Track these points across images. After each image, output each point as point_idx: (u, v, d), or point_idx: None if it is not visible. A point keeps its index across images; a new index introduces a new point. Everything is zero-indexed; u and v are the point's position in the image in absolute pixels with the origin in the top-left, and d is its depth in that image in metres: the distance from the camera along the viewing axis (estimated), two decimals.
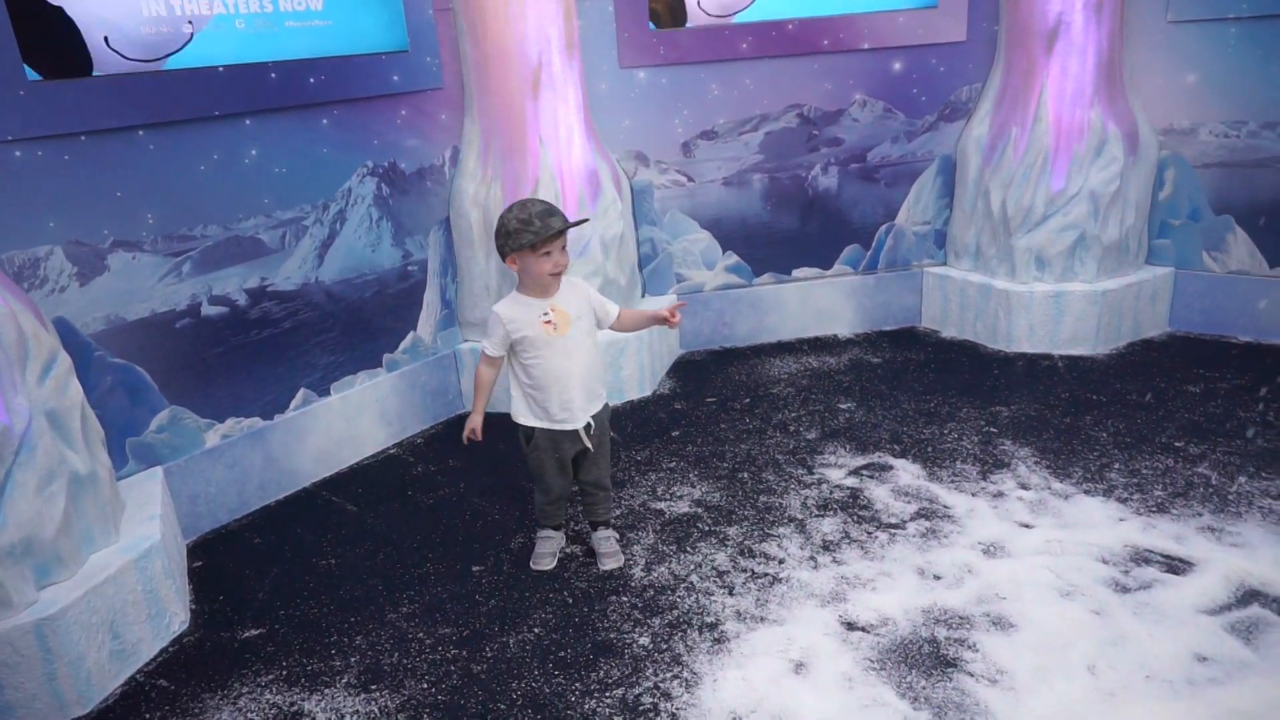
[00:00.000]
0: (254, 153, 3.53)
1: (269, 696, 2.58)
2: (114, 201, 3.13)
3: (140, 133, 3.16)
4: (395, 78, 3.99)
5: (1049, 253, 4.71)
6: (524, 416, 2.92)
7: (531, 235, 2.63)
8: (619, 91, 4.70)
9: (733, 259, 5.12)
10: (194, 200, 3.37)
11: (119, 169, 3.13)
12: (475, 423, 2.91)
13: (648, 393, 4.55)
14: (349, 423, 4.00)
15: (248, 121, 3.49)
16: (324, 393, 3.91)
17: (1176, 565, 2.85)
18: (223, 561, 3.31)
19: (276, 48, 3.60)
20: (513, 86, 4.15)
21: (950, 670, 2.48)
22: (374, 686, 2.59)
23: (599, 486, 3.05)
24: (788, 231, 5.15)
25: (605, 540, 3.13)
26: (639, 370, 4.52)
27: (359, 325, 4.04)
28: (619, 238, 4.52)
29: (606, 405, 3.00)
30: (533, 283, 2.77)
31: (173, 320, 3.37)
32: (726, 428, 4.10)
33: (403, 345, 4.27)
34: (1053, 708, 2.31)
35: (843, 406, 4.25)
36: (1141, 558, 2.90)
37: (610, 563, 3.08)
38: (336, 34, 3.82)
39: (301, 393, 3.81)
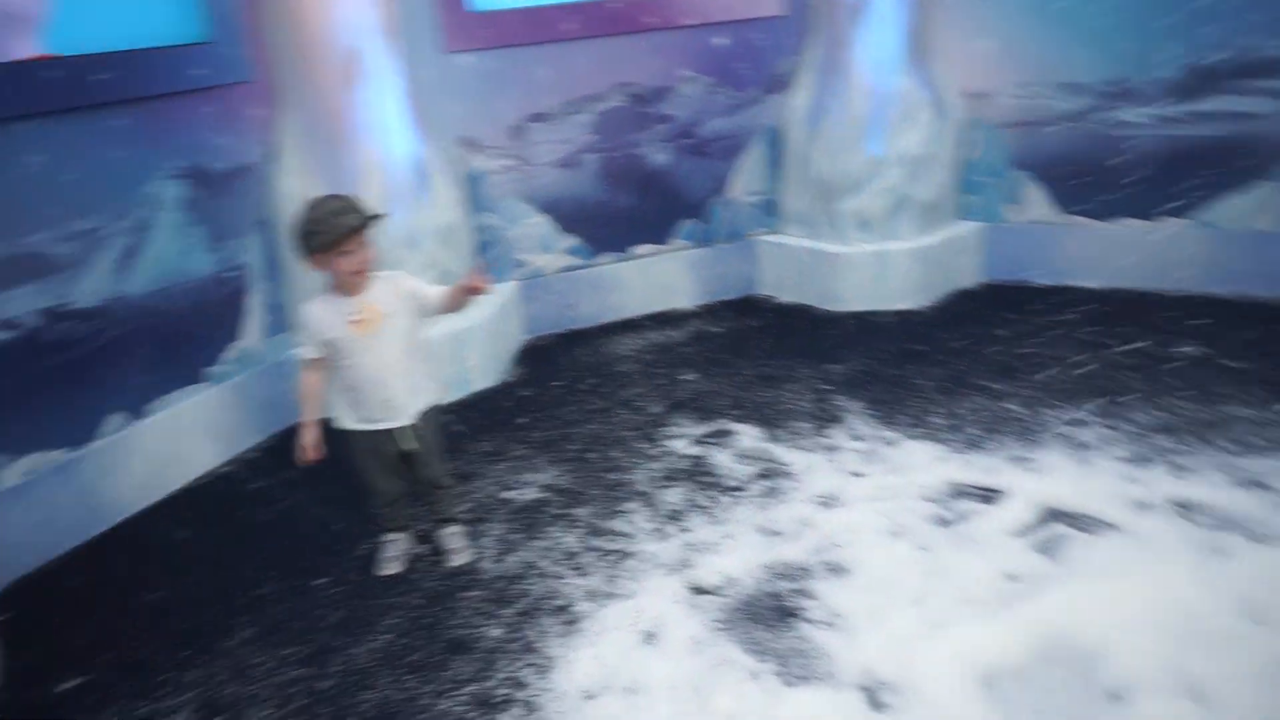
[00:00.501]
0: (36, 159, 3.24)
1: None
2: None
3: None
4: (196, 72, 3.74)
5: (870, 215, 4.95)
6: (344, 419, 2.83)
7: (326, 235, 2.54)
8: (444, 77, 4.58)
9: (572, 240, 5.12)
10: None
11: None
12: (308, 438, 2.74)
13: (494, 382, 4.50)
14: (173, 444, 3.76)
15: (25, 125, 3.19)
16: (141, 415, 3.66)
17: (989, 495, 3.07)
18: (33, 611, 3.04)
19: (57, 42, 3.31)
20: (329, 77, 3.98)
21: (792, 620, 2.59)
22: None
23: (436, 485, 3.00)
24: (624, 209, 5.19)
25: (451, 536, 3.09)
26: (484, 360, 4.46)
27: (177, 339, 3.80)
28: (453, 226, 4.43)
29: (434, 407, 2.93)
30: (339, 282, 2.68)
31: None
32: (573, 410, 4.11)
33: (229, 356, 4.05)
34: (885, 642, 2.45)
35: (686, 378, 4.34)
36: (960, 492, 3.11)
37: (458, 558, 3.05)
38: (128, 25, 3.54)
39: (114, 417, 3.55)
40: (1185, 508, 2.87)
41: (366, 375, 2.72)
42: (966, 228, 5.14)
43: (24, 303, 3.25)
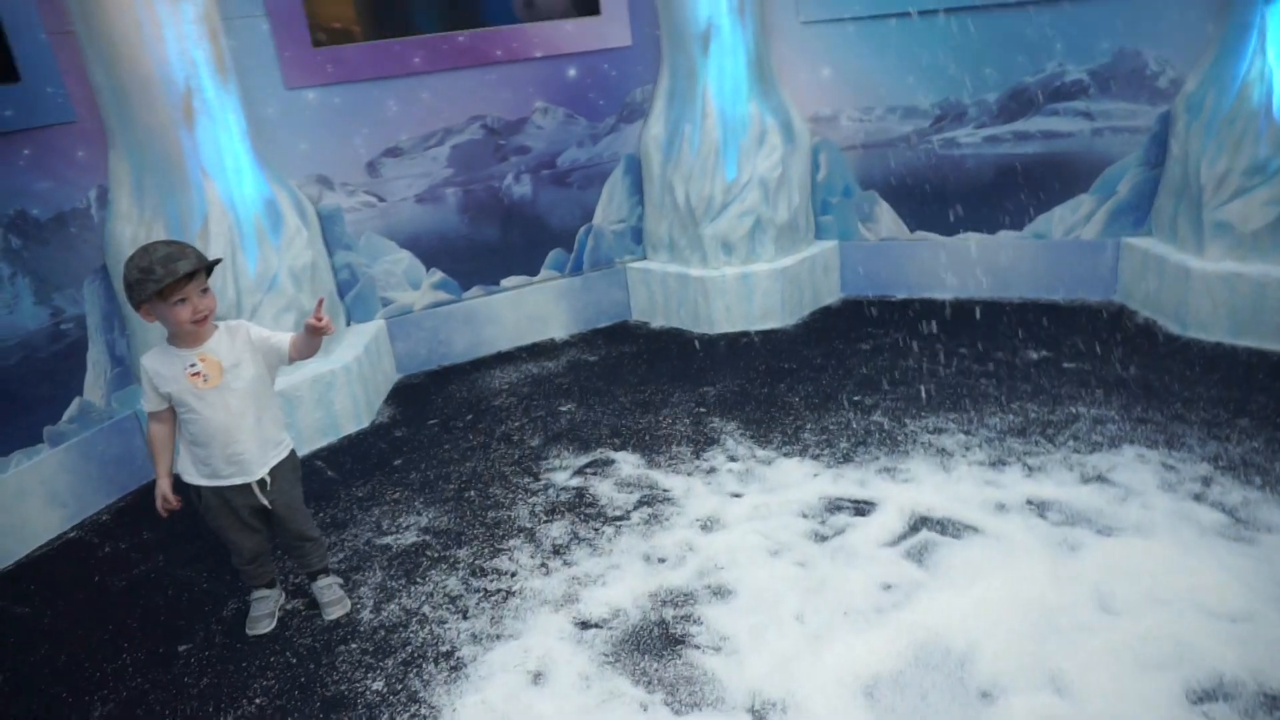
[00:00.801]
0: None
1: None
2: None
3: None
4: (7, 113, 3.47)
5: (732, 238, 5.08)
6: (190, 474, 2.69)
7: (154, 284, 2.38)
8: (289, 114, 4.43)
9: (438, 275, 5.03)
10: None
11: None
12: (163, 487, 2.65)
13: (365, 424, 4.35)
14: (8, 512, 3.44)
15: None
16: None
17: (862, 507, 3.19)
18: None
19: None
20: (162, 117, 3.77)
21: (679, 647, 2.60)
22: None
23: (302, 538, 2.86)
24: (490, 242, 5.14)
25: (326, 589, 2.95)
26: (352, 401, 4.30)
27: (5, 398, 3.49)
28: (310, 266, 4.26)
29: (292, 452, 2.81)
30: (176, 332, 2.54)
31: None
32: (450, 448, 4.02)
33: (68, 414, 3.75)
34: (769, 661, 2.49)
35: (564, 409, 4.32)
36: (834, 506, 3.22)
37: (335, 611, 2.92)
38: None
39: None
40: (1039, 506, 3.06)
41: (211, 429, 2.58)
42: (823, 246, 5.36)
43: None
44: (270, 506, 2.73)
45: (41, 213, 3.65)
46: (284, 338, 2.70)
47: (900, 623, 2.57)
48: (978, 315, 4.89)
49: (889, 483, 3.33)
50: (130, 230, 3.85)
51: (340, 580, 3.03)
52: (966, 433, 3.63)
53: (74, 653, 2.89)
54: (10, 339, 3.53)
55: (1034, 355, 4.29)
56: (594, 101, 5.15)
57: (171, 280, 2.38)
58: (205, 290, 2.50)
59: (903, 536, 3.00)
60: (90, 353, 3.86)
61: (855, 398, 4.07)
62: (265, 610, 2.91)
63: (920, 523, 3.06)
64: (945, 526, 3.01)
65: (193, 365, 2.54)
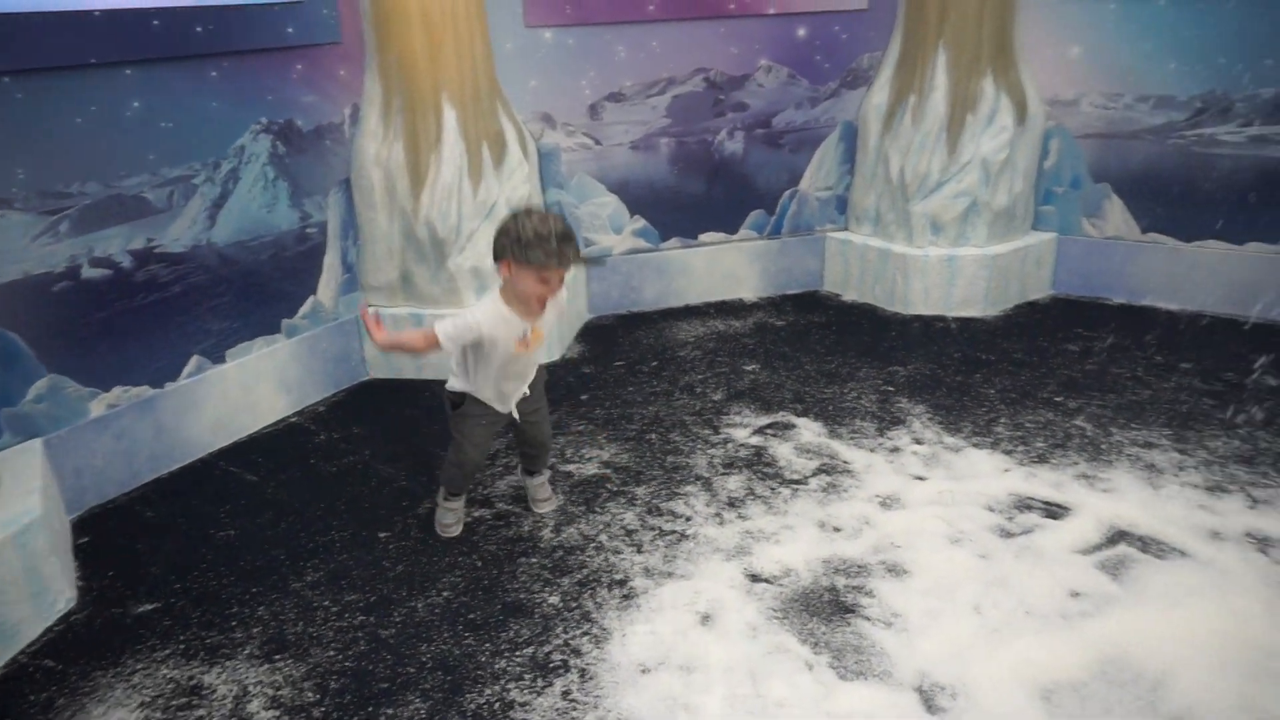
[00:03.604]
0: (136, 105, 3.34)
1: (165, 671, 2.51)
2: None
3: (5, 79, 2.95)
4: (289, 30, 3.82)
5: (943, 218, 4.89)
6: (458, 383, 2.82)
7: (542, 256, 2.43)
8: (525, 51, 4.62)
9: (640, 223, 5.14)
10: (70, 155, 3.17)
11: None
12: (379, 345, 2.67)
13: (556, 357, 4.54)
14: (246, 391, 3.86)
15: (128, 71, 3.29)
16: (219, 359, 3.76)
17: (1055, 510, 3.04)
18: (112, 536, 3.17)
19: None
20: (415, 43, 4.03)
21: (849, 616, 2.59)
22: (278, 656, 2.54)
23: (541, 445, 3.09)
24: (694, 196, 5.19)
25: (540, 486, 3.20)
26: (547, 335, 4.48)
27: (255, 289, 3.90)
28: (526, 200, 4.46)
29: (541, 368, 2.99)
30: (518, 298, 2.59)
31: (50, 283, 3.17)
32: (634, 390, 4.14)
33: (302, 310, 4.14)
34: (942, 645, 2.44)
35: (747, 368, 4.34)
36: (1024, 505, 3.08)
37: (546, 506, 3.18)
38: None
39: (194, 360, 3.66)
40: (1261, 541, 2.81)
41: (509, 376, 2.76)
42: (1040, 238, 5.06)
43: (117, 243, 3.36)
44: (520, 421, 2.93)
45: (305, 124, 4.01)
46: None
47: (1087, 633, 2.45)
48: (1208, 331, 4.48)
49: (1087, 490, 3.15)
50: (374, 148, 4.16)
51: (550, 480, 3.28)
52: (1181, 451, 3.37)
53: (291, 522, 3.23)
54: (266, 236, 3.92)
55: (1271, 381, 3.90)
56: (819, 64, 5.05)
57: (556, 264, 2.45)
58: (563, 279, 2.57)
59: (1098, 547, 2.84)
60: (327, 257, 4.23)
61: (1057, 399, 3.86)
62: (459, 516, 3.12)
63: (1119, 536, 2.88)
64: (1148, 544, 2.83)
65: (524, 334, 2.65)
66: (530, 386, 2.91)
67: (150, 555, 3.05)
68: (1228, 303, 4.67)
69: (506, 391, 2.83)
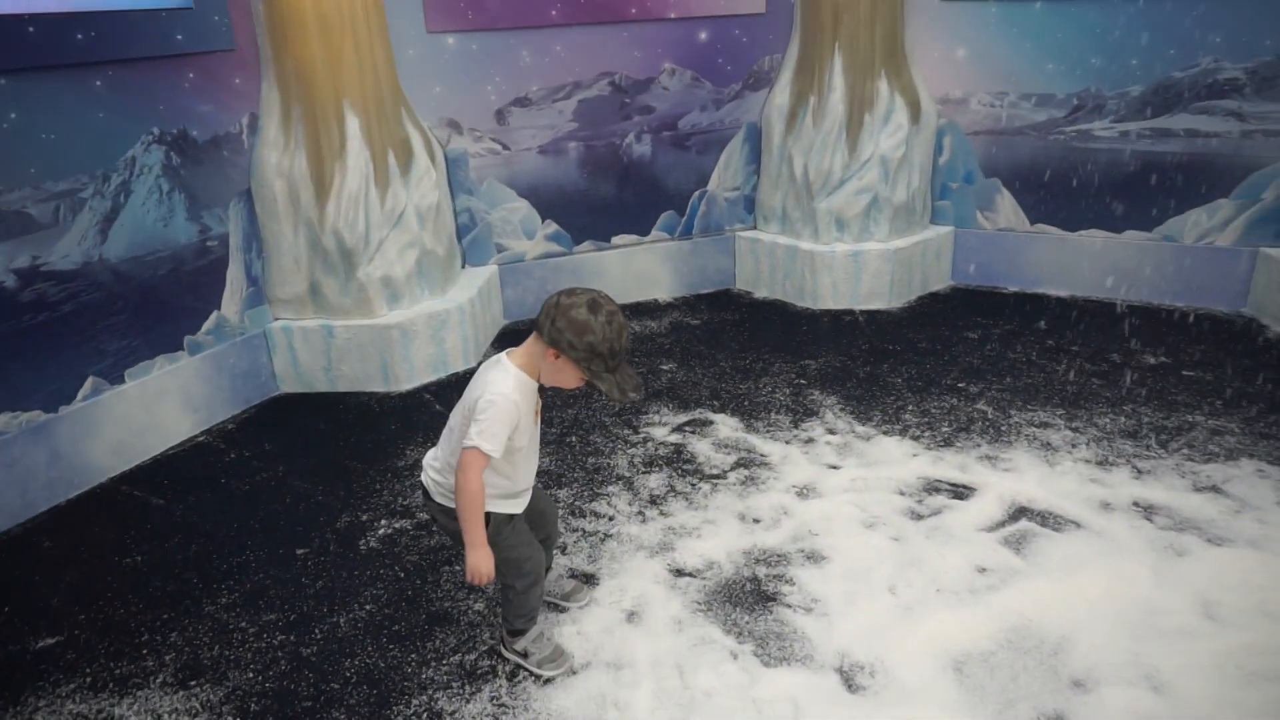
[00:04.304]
0: (13, 116, 3.18)
1: (71, 706, 2.40)
2: None
3: None
4: (178, 37, 3.70)
5: (847, 215, 5.05)
6: (497, 506, 2.33)
7: (604, 373, 2.16)
8: (427, 57, 4.58)
9: (552, 227, 5.14)
10: None
11: None
12: (488, 562, 2.24)
13: (472, 364, 4.51)
14: (148, 411, 3.72)
15: (2, 81, 3.13)
16: (117, 380, 3.61)
17: (961, 491, 3.18)
18: (7, 570, 3.01)
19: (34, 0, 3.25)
20: (313, 50, 3.95)
21: (770, 604, 2.66)
22: (193, 682, 2.46)
23: (554, 520, 2.67)
24: (605, 199, 5.22)
25: (560, 580, 2.77)
26: (463, 341, 4.46)
27: (154, 306, 3.75)
28: (435, 207, 4.43)
29: None
30: (546, 376, 2.25)
31: None
32: (553, 394, 4.14)
33: (206, 326, 4.00)
34: (860, 626, 2.53)
35: (665, 367, 4.39)
36: (932, 487, 3.22)
37: (582, 596, 2.73)
38: None
39: (90, 381, 3.50)
40: (1146, 509, 3.01)
41: (529, 462, 2.38)
42: (938, 231, 5.27)
43: (0, 261, 3.19)
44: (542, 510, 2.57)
45: (200, 134, 3.88)
46: None
47: (994, 605, 2.57)
48: (1094, 314, 4.75)
49: (990, 470, 3.30)
50: (276, 157, 4.06)
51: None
52: (1074, 430, 3.56)
53: (203, 544, 3.12)
54: (163, 250, 3.78)
55: (1151, 360, 4.16)
56: (722, 66, 5.16)
57: (615, 388, 2.18)
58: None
59: (1001, 523, 2.98)
60: (230, 270, 4.10)
61: (959, 384, 4.03)
62: (553, 644, 2.51)
63: (1020, 512, 3.04)
64: (1046, 519, 2.99)
65: (537, 401, 2.32)
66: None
67: (50, 587, 2.91)
68: (1112, 288, 4.97)
69: (523, 487, 2.40)
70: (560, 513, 3.18)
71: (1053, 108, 4.92)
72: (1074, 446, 3.43)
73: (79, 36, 3.33)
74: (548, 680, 2.41)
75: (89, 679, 2.49)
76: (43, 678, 2.50)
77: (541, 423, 2.43)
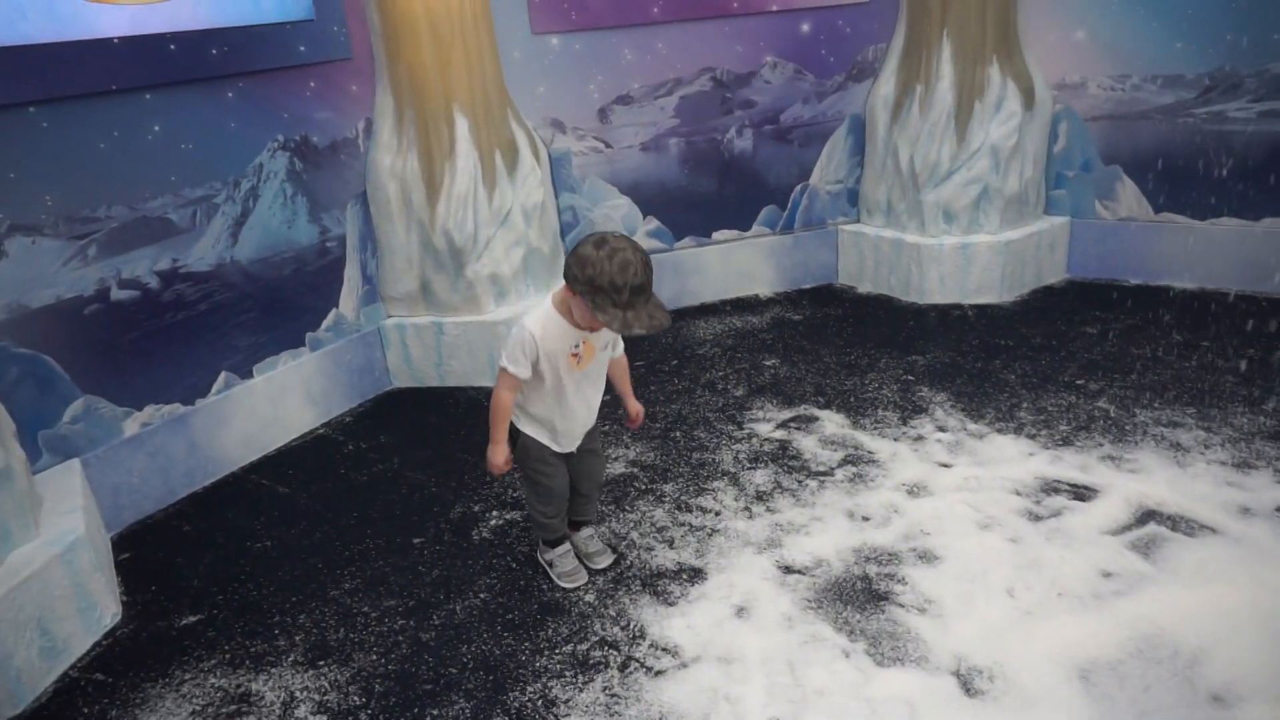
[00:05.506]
0: (157, 129, 3.40)
1: (213, 680, 2.55)
2: (7, 183, 2.98)
3: (31, 109, 3.01)
4: (301, 48, 3.88)
5: (955, 206, 4.90)
6: (528, 428, 2.64)
7: (609, 307, 2.26)
8: (532, 58, 4.66)
9: (653, 224, 5.17)
10: (96, 180, 3.23)
11: (11, 148, 2.97)
12: (500, 457, 2.59)
13: None
14: (274, 404, 3.92)
15: (148, 96, 3.35)
16: (246, 375, 3.82)
17: (1082, 492, 3.05)
18: (152, 551, 3.23)
19: (174, 18, 3.45)
20: (424, 56, 4.08)
21: (882, 603, 2.61)
22: (322, 662, 2.59)
23: (595, 483, 2.87)
24: (706, 194, 5.22)
25: (592, 539, 2.95)
26: (604, 347, 4.52)
27: (279, 304, 3.95)
28: (540, 206, 4.51)
29: (596, 421, 2.76)
30: (577, 317, 2.43)
31: (81, 306, 3.23)
32: (656, 389, 4.17)
33: (325, 323, 4.19)
34: (976, 629, 2.46)
35: (767, 363, 4.36)
36: (1050, 488, 3.10)
37: (602, 560, 2.91)
38: (238, 3, 3.68)
39: (223, 376, 3.72)
40: None
41: (560, 408, 2.57)
42: (1053, 222, 5.06)
43: (144, 264, 3.41)
44: (574, 451, 2.73)
45: (320, 140, 4.06)
46: (621, 349, 2.72)
47: (1122, 612, 2.46)
48: (1225, 308, 4.48)
49: (1113, 471, 3.16)
50: (389, 160, 4.21)
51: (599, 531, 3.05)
52: (1207, 429, 3.37)
53: (326, 532, 3.27)
54: (287, 251, 3.98)
55: None
56: (824, 58, 5.08)
57: (623, 323, 2.27)
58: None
59: (1127, 527, 2.85)
60: (347, 269, 4.28)
61: (1078, 381, 3.87)
62: (574, 562, 2.86)
63: (1148, 515, 2.89)
64: (1177, 523, 2.84)
65: (576, 346, 2.48)
66: (586, 438, 2.73)
67: (190, 568, 3.10)
68: (1247, 280, 4.67)
69: (569, 427, 2.63)
70: (666, 507, 3.20)
71: (1181, 89, 4.66)
72: (1207, 447, 3.25)
73: (214, 51, 3.53)
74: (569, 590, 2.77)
75: (228, 655, 2.65)
76: (187, 653, 2.68)
77: (645, 417, 2.49)
